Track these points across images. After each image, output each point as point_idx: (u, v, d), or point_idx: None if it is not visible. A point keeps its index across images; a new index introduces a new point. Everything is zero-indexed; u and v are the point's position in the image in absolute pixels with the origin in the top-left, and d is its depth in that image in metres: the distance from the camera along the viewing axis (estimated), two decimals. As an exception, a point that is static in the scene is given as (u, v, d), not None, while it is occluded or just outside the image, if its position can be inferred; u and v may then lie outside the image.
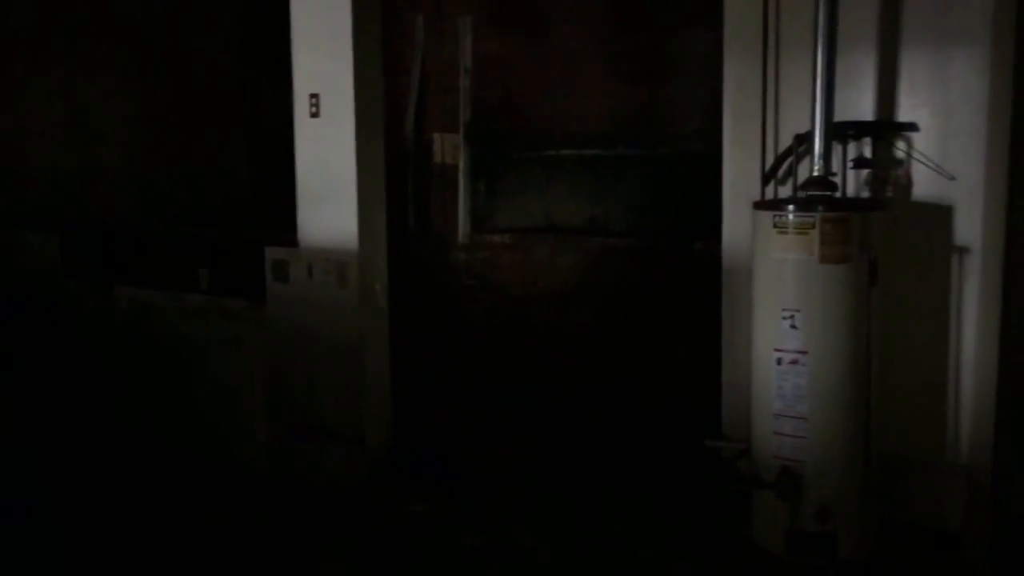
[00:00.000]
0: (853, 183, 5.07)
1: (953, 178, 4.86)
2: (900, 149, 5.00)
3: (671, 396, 7.34)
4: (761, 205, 4.93)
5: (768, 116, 5.30)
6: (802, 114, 4.93)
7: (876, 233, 4.69)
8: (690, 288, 7.18)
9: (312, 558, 5.11)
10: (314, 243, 5.88)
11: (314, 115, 5.78)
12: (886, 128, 5.00)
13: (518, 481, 6.09)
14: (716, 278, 5.74)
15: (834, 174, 4.86)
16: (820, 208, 4.64)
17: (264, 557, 5.13)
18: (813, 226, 4.62)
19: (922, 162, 4.93)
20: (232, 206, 8.42)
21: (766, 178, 5.27)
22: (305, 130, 5.85)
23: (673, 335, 7.31)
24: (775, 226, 4.72)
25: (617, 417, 7.25)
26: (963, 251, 4.90)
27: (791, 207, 4.71)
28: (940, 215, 4.93)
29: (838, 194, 4.87)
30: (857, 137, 5.04)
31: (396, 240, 6.22)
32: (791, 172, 5.10)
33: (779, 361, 4.76)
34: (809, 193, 4.82)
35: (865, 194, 5.09)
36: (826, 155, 4.79)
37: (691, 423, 6.42)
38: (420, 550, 5.18)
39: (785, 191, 5.23)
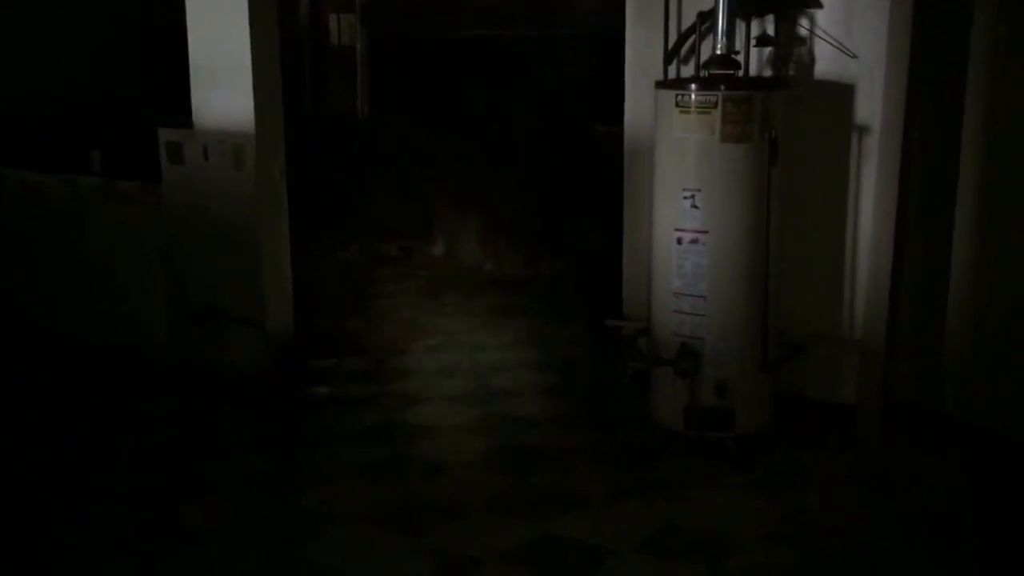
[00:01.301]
0: (755, 62, 5.05)
1: (855, 56, 4.87)
2: (803, 26, 4.98)
3: (574, 277, 7.39)
4: (663, 84, 4.90)
5: (672, -7, 5.24)
6: (706, -9, 4.89)
7: (777, 112, 4.69)
8: (593, 171, 7.17)
9: (217, 442, 5.07)
10: (210, 125, 5.71)
11: (205, -11, 5.58)
12: (789, 5, 4.97)
13: (419, 362, 6.10)
14: (619, 160, 5.73)
15: (737, 52, 4.83)
16: (722, 87, 4.62)
17: (168, 442, 5.07)
18: (715, 105, 4.61)
19: (824, 39, 4.92)
20: (125, 88, 8.14)
21: (668, 57, 5.21)
22: (196, 7, 5.64)
23: (576, 218, 7.32)
24: (677, 105, 4.70)
25: (520, 299, 7.28)
26: (863, 130, 4.93)
27: (693, 86, 4.69)
28: (841, 94, 4.95)
29: (740, 73, 4.85)
30: (760, 14, 5.00)
31: (293, 123, 6.08)
32: (694, 51, 5.06)
33: (680, 241, 4.78)
34: (711, 72, 4.80)
35: (767, 73, 5.08)
36: (729, 33, 4.75)
37: (593, 304, 6.51)
38: (321, 431, 5.17)
39: (688, 71, 5.20)
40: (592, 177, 7.18)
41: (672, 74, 5.20)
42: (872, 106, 4.88)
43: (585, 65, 7.20)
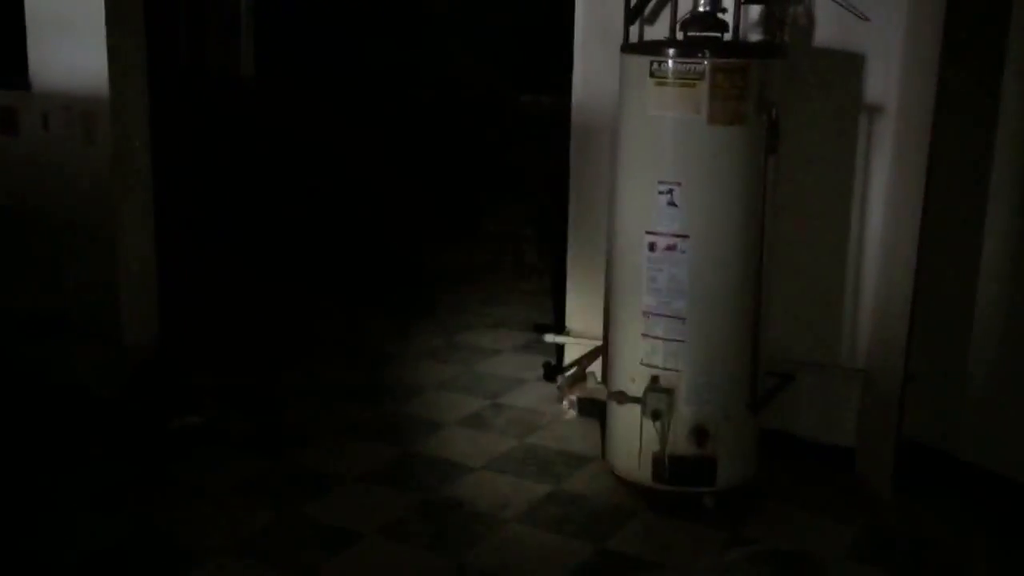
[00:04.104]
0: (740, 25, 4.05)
1: (867, 18, 3.90)
2: (801, -20, 4.00)
3: (497, 271, 6.45)
4: (633, 48, 3.91)
5: (636, -65, 4.21)
6: (684, -67, 3.89)
7: (776, 87, 3.73)
8: (520, 149, 6.21)
9: (48, 492, 3.94)
10: (52, 86, 4.62)
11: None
12: (786, -48, 4.00)
13: (312, 379, 5.04)
14: (549, 139, 4.83)
15: (723, 10, 3.84)
16: (709, 53, 3.63)
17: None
18: (702, 76, 3.63)
19: (829, -3, 3.97)
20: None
21: (631, 15, 4.19)
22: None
23: (499, 205, 6.34)
24: (652, 76, 3.71)
25: (436, 297, 6.27)
26: (874, 111, 3.99)
27: (672, 51, 3.69)
28: (848, 66, 4.01)
29: (729, 36, 3.85)
30: (750, -37, 4.01)
31: (164, 82, 4.95)
32: (665, 6, 4.10)
33: (652, 247, 3.80)
34: (692, 34, 3.80)
35: (756, 38, 4.09)
36: (715, -15, 3.79)
37: (525, 307, 5.59)
38: (187, 480, 4.06)
39: (655, 32, 4.21)
40: (518, 156, 6.21)
41: (634, 36, 4.20)
42: (886, 82, 3.96)
43: (513, 22, 6.19)
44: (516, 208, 6.24)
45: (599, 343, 4.42)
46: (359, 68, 6.76)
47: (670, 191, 3.72)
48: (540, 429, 4.55)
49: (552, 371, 4.30)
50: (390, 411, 4.73)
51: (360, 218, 6.76)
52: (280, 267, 6.54)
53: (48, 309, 4.69)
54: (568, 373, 4.20)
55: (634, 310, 3.87)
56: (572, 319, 4.68)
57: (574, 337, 4.63)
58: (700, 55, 3.63)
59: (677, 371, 3.82)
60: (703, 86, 3.63)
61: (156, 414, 4.55)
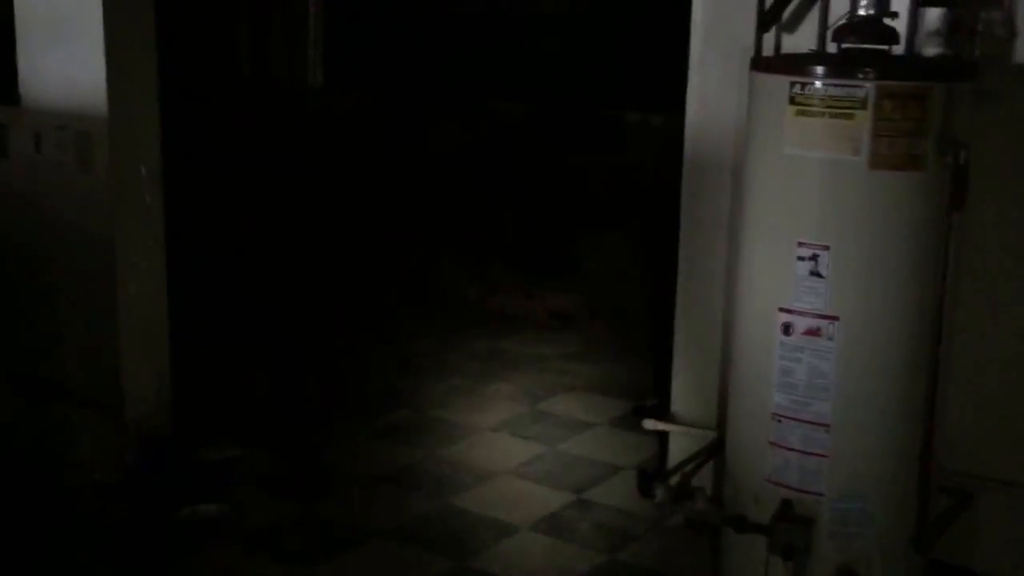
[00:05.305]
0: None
1: (1094, 26, 2.94)
2: (999, -24, 3.06)
3: (589, 317, 5.58)
4: (766, 64, 3.00)
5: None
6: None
7: (965, 120, 2.78)
8: (619, 175, 5.32)
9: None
10: (47, 102, 3.86)
11: None
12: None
13: (357, 458, 4.19)
14: (660, 166, 4.21)
15: (892, 15, 2.90)
16: (874, 73, 2.70)
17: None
18: (863, 104, 2.72)
19: (1039, -3, 3.01)
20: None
21: (766, 20, 3.26)
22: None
23: (594, 237, 5.45)
24: (792, 102, 2.81)
25: (516, 345, 5.41)
26: (1099, 152, 3.02)
27: (821, 69, 2.78)
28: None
29: (900, 49, 2.90)
30: (928, -47, 3.08)
31: (224, 90, 4.19)
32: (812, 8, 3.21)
33: (787, 329, 2.89)
34: (848, 46, 2.88)
35: (933, 52, 3.14)
36: (882, -18, 2.89)
37: (618, 365, 4.75)
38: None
39: (797, 42, 3.28)
40: (617, 183, 5.35)
41: (769, 48, 3.27)
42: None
43: (614, 29, 5.34)
44: (620, 245, 5.34)
45: (713, 435, 3.50)
46: (438, 78, 5.94)
47: (814, 257, 2.81)
48: (635, 540, 3.62)
49: (648, 479, 3.36)
50: (448, 505, 3.84)
51: (433, 253, 5.90)
52: (331, 311, 5.72)
53: (45, 372, 3.91)
54: (670, 481, 3.28)
55: (760, 410, 2.95)
56: (679, 400, 3.75)
57: (680, 425, 3.70)
58: (861, 75, 2.72)
59: (818, 495, 2.90)
60: (864, 117, 2.72)
61: (163, 501, 3.74)
